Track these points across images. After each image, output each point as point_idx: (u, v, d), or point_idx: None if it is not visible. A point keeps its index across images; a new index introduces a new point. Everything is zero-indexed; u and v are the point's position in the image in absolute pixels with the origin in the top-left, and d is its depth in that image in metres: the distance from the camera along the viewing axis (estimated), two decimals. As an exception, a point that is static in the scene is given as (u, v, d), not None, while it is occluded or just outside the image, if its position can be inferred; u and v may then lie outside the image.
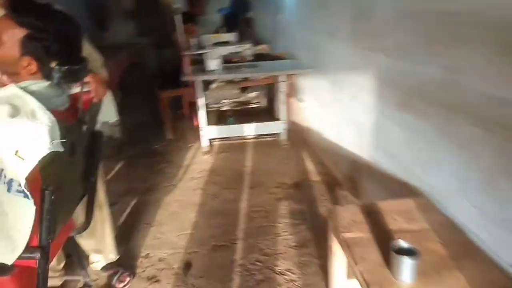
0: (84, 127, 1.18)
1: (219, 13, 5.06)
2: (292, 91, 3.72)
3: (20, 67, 0.99)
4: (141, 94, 4.92)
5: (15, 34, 0.97)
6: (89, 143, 1.26)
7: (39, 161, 0.85)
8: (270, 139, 3.52)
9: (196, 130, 3.40)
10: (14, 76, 1.01)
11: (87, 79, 1.26)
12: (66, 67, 1.02)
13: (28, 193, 0.86)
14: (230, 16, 4.89)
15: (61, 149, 0.90)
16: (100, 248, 1.80)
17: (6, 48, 0.98)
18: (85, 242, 1.75)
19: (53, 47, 0.99)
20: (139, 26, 5.72)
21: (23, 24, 0.96)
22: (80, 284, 1.77)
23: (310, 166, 2.99)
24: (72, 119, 1.14)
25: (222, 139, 3.54)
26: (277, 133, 3.46)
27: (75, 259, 1.57)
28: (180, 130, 3.88)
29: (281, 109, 3.39)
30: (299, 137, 3.50)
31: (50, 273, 1.09)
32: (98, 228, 1.74)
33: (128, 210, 2.51)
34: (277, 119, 3.47)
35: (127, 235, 2.20)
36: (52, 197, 0.96)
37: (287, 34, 4.19)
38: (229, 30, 3.99)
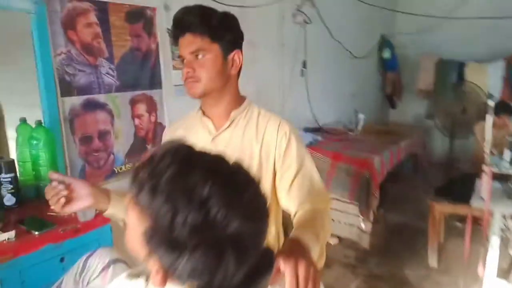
0: None
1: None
2: None
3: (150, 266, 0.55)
4: (411, 187, 4.13)
5: (137, 222, 0.54)
6: None
7: None
8: None
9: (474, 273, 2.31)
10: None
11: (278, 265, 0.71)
12: None
13: None
14: None
15: None
16: None
17: (129, 236, 0.57)
18: None
19: (192, 262, 0.49)
20: (432, 107, 4.96)
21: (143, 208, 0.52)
22: None
23: None
24: None
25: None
26: None
27: None
28: (450, 256, 2.82)
29: None
30: None
31: None
32: None
33: None
34: None
35: None
36: None
37: None
38: None
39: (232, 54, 1.13)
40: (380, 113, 5.23)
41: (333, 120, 3.94)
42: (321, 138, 3.08)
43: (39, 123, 1.59)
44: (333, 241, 3.02)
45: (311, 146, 2.93)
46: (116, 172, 2.00)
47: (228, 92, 1.16)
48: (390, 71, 5.03)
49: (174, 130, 1.30)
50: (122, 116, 1.99)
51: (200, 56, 1.08)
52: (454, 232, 3.13)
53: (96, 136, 1.89)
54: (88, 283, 1.10)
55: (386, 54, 4.88)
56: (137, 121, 2.07)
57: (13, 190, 1.49)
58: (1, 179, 1.47)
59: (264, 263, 0.57)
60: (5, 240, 1.22)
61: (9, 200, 1.48)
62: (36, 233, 1.29)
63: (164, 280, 0.53)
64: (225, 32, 1.11)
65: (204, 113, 1.22)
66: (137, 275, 0.64)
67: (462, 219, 3.20)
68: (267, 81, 3.10)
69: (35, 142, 1.58)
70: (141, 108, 2.09)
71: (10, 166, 1.50)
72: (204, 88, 1.10)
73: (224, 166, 0.55)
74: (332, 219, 2.82)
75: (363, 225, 2.75)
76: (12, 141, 1.68)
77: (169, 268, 0.50)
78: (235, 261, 0.49)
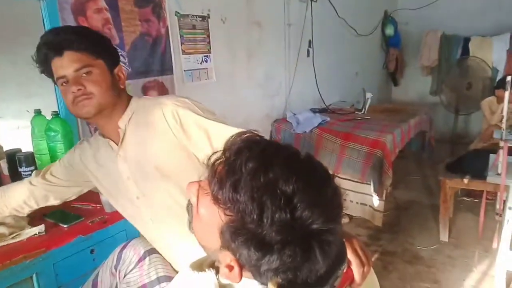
0: None
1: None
2: None
3: (221, 259, 0.55)
4: (418, 164, 4.16)
5: (214, 216, 0.53)
6: None
7: None
8: None
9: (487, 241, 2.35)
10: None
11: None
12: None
13: None
14: None
15: None
16: None
17: (202, 226, 0.56)
18: None
19: (280, 260, 0.49)
20: (436, 83, 4.95)
21: (225, 203, 0.51)
22: None
23: None
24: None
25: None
26: None
27: None
28: (460, 231, 2.87)
29: None
30: None
31: None
32: None
33: None
34: None
35: None
36: None
37: None
38: None
39: (116, 69, 1.10)
40: (383, 91, 5.21)
41: (338, 100, 3.92)
42: (329, 119, 3.07)
43: (55, 114, 1.56)
44: (344, 220, 3.05)
45: (321, 126, 2.92)
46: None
47: (119, 107, 1.11)
48: (393, 48, 4.98)
49: (84, 150, 1.24)
50: (135, 103, 1.96)
51: (86, 72, 1.02)
52: (461, 206, 3.17)
53: (111, 125, 1.87)
54: (125, 275, 1.10)
55: (389, 30, 4.81)
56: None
57: (35, 183, 1.47)
58: (22, 173, 1.46)
59: (342, 253, 0.57)
60: (36, 234, 1.21)
61: (32, 193, 1.47)
62: (65, 226, 1.29)
63: (241, 275, 0.52)
64: (105, 48, 1.08)
65: (102, 134, 1.17)
66: (200, 267, 0.63)
67: (469, 194, 3.24)
68: (274, 63, 3.06)
69: (52, 133, 1.56)
70: (153, 95, 2.05)
71: (30, 159, 1.48)
72: (99, 103, 1.04)
73: (302, 160, 0.53)
74: (344, 199, 2.83)
75: (376, 204, 2.77)
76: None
77: (251, 265, 0.50)
78: (322, 257, 0.49)
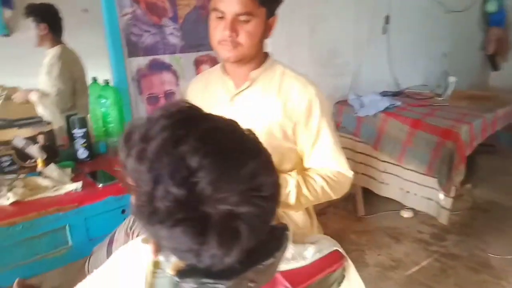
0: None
1: None
2: None
3: None
4: (508, 161, 3.61)
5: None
6: None
7: None
8: None
9: None
10: None
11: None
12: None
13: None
14: None
15: None
16: None
17: None
18: None
19: (172, 239, 0.44)
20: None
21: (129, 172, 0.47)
22: None
23: None
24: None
25: None
26: None
27: None
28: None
29: None
30: None
31: None
32: None
33: None
34: None
35: None
36: None
37: None
38: None
39: (271, 19, 1.07)
40: (478, 76, 4.57)
41: (418, 84, 3.55)
42: (400, 103, 2.79)
43: (106, 82, 1.68)
44: (407, 214, 2.81)
45: (387, 111, 2.68)
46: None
47: (256, 56, 1.10)
48: (495, 26, 4.31)
49: (195, 84, 1.26)
50: (186, 77, 2.00)
51: (244, 19, 0.99)
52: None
53: (162, 96, 1.95)
54: (137, 235, 1.16)
55: (492, 6, 4.16)
56: (201, 82, 2.08)
57: (85, 145, 1.62)
58: (75, 134, 1.60)
59: (269, 245, 0.51)
60: (73, 190, 1.34)
61: (82, 153, 1.61)
62: (100, 185, 1.39)
63: (155, 251, 0.50)
64: None
65: (225, 70, 1.16)
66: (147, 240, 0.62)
67: None
68: (341, 40, 2.86)
69: (103, 100, 1.68)
70: (205, 68, 2.08)
71: (82, 122, 1.62)
72: (243, 54, 1.04)
73: (227, 135, 0.48)
74: (407, 191, 2.60)
75: (442, 200, 2.48)
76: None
77: (154, 241, 0.47)
78: (219, 243, 0.43)
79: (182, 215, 0.42)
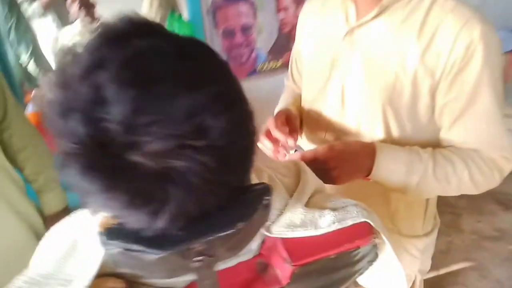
0: None
1: None
2: None
3: None
4: None
5: None
6: None
7: None
8: None
9: None
10: None
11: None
12: None
13: None
14: None
15: None
16: None
17: None
18: None
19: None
20: None
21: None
22: None
23: None
24: None
25: None
26: None
27: None
28: None
29: None
30: None
31: None
32: None
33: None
34: None
35: None
36: None
37: None
38: None
39: None
40: None
41: None
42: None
43: (179, 15, 1.63)
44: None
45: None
46: (258, 70, 1.95)
47: None
48: None
49: (310, 3, 0.95)
50: (265, 9, 1.84)
51: None
52: None
53: (239, 30, 1.84)
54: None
55: None
56: (282, 14, 1.89)
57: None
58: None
59: (234, 208, 0.39)
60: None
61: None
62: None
63: None
64: None
65: None
66: None
67: None
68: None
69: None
70: (287, 0, 1.88)
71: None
72: None
73: (164, 58, 0.34)
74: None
75: None
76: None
77: None
78: (130, 203, 0.33)
79: (88, 162, 0.32)
